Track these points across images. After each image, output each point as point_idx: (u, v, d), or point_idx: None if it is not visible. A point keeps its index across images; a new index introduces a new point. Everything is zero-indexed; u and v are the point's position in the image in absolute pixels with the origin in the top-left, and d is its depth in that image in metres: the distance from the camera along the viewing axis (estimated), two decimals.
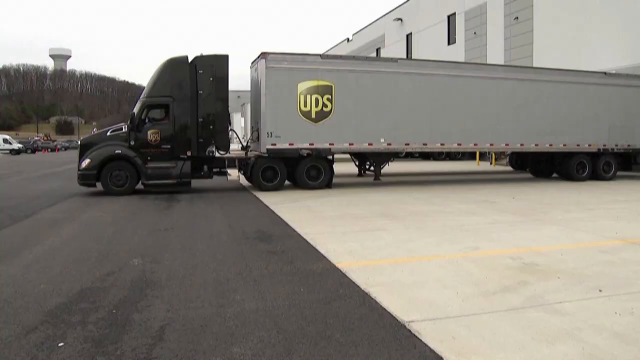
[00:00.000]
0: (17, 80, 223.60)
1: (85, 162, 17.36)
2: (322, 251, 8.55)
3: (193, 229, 11.18)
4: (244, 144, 20.05)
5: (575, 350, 4.72)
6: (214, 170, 18.45)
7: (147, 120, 17.77)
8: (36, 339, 5.00)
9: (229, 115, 19.07)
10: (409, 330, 5.14)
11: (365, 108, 19.00)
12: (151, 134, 17.57)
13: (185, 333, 5.10)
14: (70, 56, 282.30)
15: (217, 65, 18.10)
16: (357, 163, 22.50)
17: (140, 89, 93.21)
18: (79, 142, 18.87)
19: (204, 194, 17.72)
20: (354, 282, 6.75)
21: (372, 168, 21.88)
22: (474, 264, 7.77)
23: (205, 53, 18.58)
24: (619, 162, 23.69)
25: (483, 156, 35.98)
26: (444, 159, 40.06)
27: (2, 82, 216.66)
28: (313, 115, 18.43)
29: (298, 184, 18.89)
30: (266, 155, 18.28)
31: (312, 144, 18.49)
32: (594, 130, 22.22)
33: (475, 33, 39.74)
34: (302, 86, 18.32)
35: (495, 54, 36.91)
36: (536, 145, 21.45)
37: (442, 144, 20.22)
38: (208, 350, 4.72)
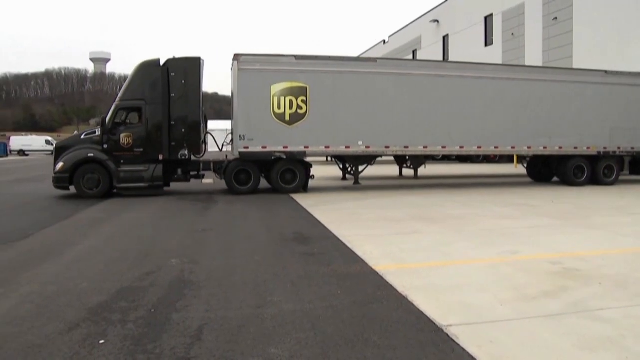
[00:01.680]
0: (59, 83, 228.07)
1: (59, 165, 17.41)
2: (360, 253, 8.53)
3: (231, 230, 11.28)
4: (221, 147, 19.69)
5: (618, 359, 4.62)
6: (192, 173, 18.41)
7: (120, 124, 17.70)
8: (78, 336, 5.10)
9: (204, 118, 19.08)
10: (447, 334, 5.09)
11: (342, 110, 18.43)
12: (124, 137, 17.50)
13: (223, 333, 5.14)
14: (109, 59, 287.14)
15: (189, 68, 18.01)
16: (340, 166, 21.61)
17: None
18: (54, 146, 19.02)
19: (241, 195, 17.81)
20: (391, 285, 6.72)
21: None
22: (513, 268, 7.66)
23: (177, 55, 18.25)
24: (631, 166, 22.89)
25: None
26: (481, 162, 39.64)
27: (45, 86, 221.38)
28: (287, 118, 17.95)
29: (273, 188, 18.60)
30: (239, 158, 18.10)
31: (286, 147, 18.00)
32: (593, 132, 21.10)
33: (513, 34, 39.21)
34: (276, 88, 17.90)
35: (534, 56, 36.37)
36: (529, 148, 20.52)
37: (425, 147, 19.38)
38: (246, 351, 4.74)
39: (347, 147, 18.58)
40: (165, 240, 10.15)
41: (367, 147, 18.69)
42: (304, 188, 18.68)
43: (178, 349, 4.77)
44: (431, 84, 19.25)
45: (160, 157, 17.69)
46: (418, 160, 21.47)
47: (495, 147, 20.18)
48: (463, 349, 4.77)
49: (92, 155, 17.40)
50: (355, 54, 68.75)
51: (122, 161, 17.46)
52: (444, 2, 49.10)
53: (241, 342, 4.93)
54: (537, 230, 11.00)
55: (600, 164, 21.61)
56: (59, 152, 17.94)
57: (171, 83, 17.81)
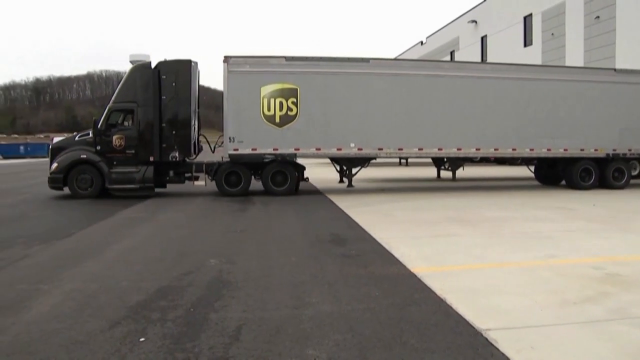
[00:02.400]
0: (100, 85, 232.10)
1: (54, 166, 17.78)
2: (397, 255, 8.50)
3: (268, 231, 11.34)
4: (213, 149, 19.69)
5: None
6: (186, 175, 18.48)
7: (113, 126, 17.93)
8: (119, 333, 5.19)
9: (196, 119, 19.09)
10: (486, 339, 5.03)
11: (333, 111, 18.21)
12: (116, 139, 17.72)
13: (261, 334, 5.17)
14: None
15: (180, 70, 18.07)
16: (337, 168, 20.90)
17: (215, 92, 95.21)
18: (50, 147, 19.46)
19: (278, 197, 17.89)
20: (429, 288, 6.68)
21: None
22: (552, 272, 7.54)
23: (169, 58, 18.48)
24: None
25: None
26: (519, 164, 39.06)
27: (86, 88, 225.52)
28: (277, 120, 17.89)
29: (265, 189, 18.51)
30: (229, 160, 18.13)
31: (276, 149, 17.96)
32: (601, 133, 20.16)
33: (553, 34, 38.59)
34: (266, 90, 17.84)
35: (574, 56, 35.73)
36: (531, 150, 19.80)
37: (420, 149, 18.99)
38: (283, 352, 4.76)
39: (338, 149, 18.44)
40: (202, 240, 10.27)
41: (360, 149, 18.47)
42: (294, 190, 18.57)
43: (216, 349, 4.82)
44: (428, 84, 18.84)
45: (151, 159, 17.85)
46: (456, 163, 21.22)
47: (495, 149, 19.61)
48: (502, 354, 4.71)
49: (84, 156, 17.74)
50: (392, 55, 68.47)
51: (114, 162, 17.73)
52: (482, 2, 48.61)
53: (279, 342, 4.95)
54: (576, 234, 10.80)
55: (610, 166, 20.60)
56: (54, 153, 18.31)
57: (162, 85, 17.95)
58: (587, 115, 20.01)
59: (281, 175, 18.35)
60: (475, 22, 49.47)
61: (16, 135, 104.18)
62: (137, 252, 9.12)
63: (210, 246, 9.58)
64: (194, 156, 18.88)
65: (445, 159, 21.13)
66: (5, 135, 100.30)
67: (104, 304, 6.14)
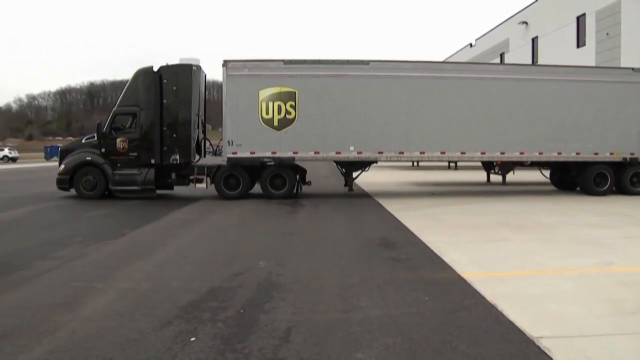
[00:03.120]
0: None
1: (61, 167, 18.61)
2: (447, 260, 8.41)
3: (317, 233, 11.39)
4: (214, 152, 19.57)
5: None
6: (190, 177, 18.59)
7: (117, 129, 18.46)
8: (171, 333, 5.27)
9: (201, 123, 19.45)
10: (539, 347, 4.92)
11: (332, 114, 18.08)
12: (119, 142, 18.28)
13: (310, 336, 5.18)
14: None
15: (180, 74, 18.41)
16: (343, 171, 20.10)
17: None
18: (59, 149, 20.37)
19: (327, 199, 17.95)
20: (479, 293, 6.58)
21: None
22: (608, 280, 7.33)
23: (170, 63, 18.79)
24: None
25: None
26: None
27: None
28: (275, 123, 17.91)
29: (263, 193, 18.52)
30: (227, 164, 18.21)
31: (274, 153, 17.97)
32: (617, 136, 19.26)
33: (607, 34, 37.59)
34: (264, 93, 17.91)
35: (631, 56, 34.67)
36: (540, 154, 19.07)
37: (421, 153, 18.61)
38: (332, 355, 4.76)
39: (337, 153, 18.25)
40: (252, 242, 10.36)
41: (359, 152, 18.26)
42: (294, 194, 18.58)
43: (266, 350, 4.85)
44: (429, 86, 18.50)
45: (152, 162, 18.26)
46: (507, 166, 20.86)
47: (502, 153, 19.02)
48: None
49: (89, 158, 18.38)
50: (441, 58, 67.78)
51: (118, 165, 18.29)
52: (533, 2, 47.69)
53: (328, 345, 4.95)
54: (635, 241, 10.48)
55: (627, 171, 19.63)
56: (63, 155, 19.13)
57: (163, 89, 18.36)
58: (603, 118, 19.26)
59: (280, 178, 18.37)
60: (526, 23, 48.54)
61: (71, 138, 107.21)
62: (188, 253, 9.26)
63: (260, 248, 9.66)
64: (198, 159, 19.31)
65: (495, 163, 20.78)
66: (61, 138, 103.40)
67: (156, 303, 6.26)
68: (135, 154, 18.30)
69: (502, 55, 54.13)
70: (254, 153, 17.94)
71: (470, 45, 62.58)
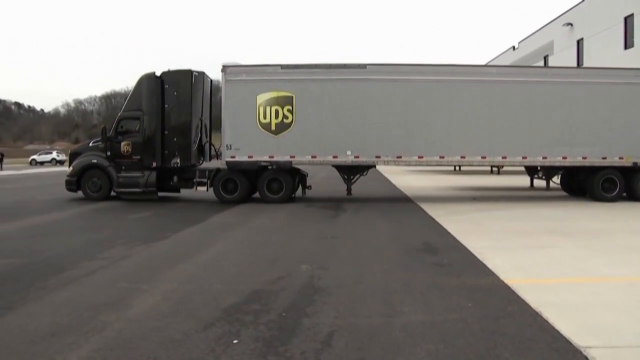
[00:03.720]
0: None
1: (69, 170, 19.59)
2: (490, 266, 8.30)
3: (359, 237, 11.37)
4: (217, 156, 19.94)
5: None
6: (195, 180, 18.81)
7: (122, 133, 19.20)
8: (213, 334, 5.33)
9: (204, 127, 19.87)
10: (586, 357, 4.81)
11: (329, 119, 18.10)
12: (124, 146, 18.99)
13: (352, 341, 5.17)
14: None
15: (181, 80, 18.95)
16: (344, 177, 19.82)
17: None
18: (69, 152, 21.42)
19: (368, 203, 17.91)
20: (523, 300, 6.47)
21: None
22: None
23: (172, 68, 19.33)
24: None
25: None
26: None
27: None
28: (273, 127, 18.06)
29: (260, 197, 18.65)
30: (226, 167, 18.44)
31: (272, 157, 18.10)
32: (628, 140, 18.46)
33: None
34: (262, 98, 18.09)
35: None
36: (544, 158, 18.58)
37: (420, 157, 18.32)
38: None
39: (334, 157, 18.26)
40: (294, 246, 10.44)
41: (356, 157, 18.21)
42: (290, 198, 18.62)
43: (308, 354, 4.86)
44: (427, 89, 18.31)
45: (154, 165, 18.81)
46: (550, 172, 20.49)
47: (503, 158, 18.68)
48: None
49: (95, 161, 19.17)
50: (483, 61, 66.99)
51: (123, 167, 19.01)
52: (579, 3, 46.76)
53: (371, 350, 4.94)
54: None
55: (638, 177, 18.79)
56: (72, 158, 20.04)
57: (165, 95, 18.95)
58: (611, 120, 18.53)
59: (277, 182, 18.43)
60: (571, 24, 47.62)
61: None
62: (231, 256, 9.37)
63: (302, 252, 9.71)
64: (201, 162, 19.80)
65: (538, 168, 20.41)
66: None
67: (199, 305, 6.34)
68: (139, 157, 18.98)
69: (545, 58, 53.22)
70: (252, 157, 18.17)
71: (513, 48, 61.68)
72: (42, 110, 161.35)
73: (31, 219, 14.50)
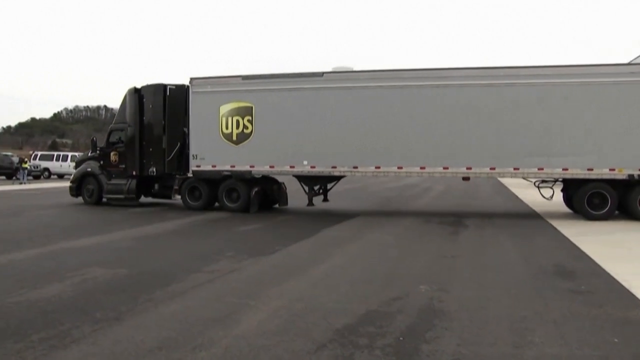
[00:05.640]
0: None
1: (71, 177, 23.50)
2: (639, 295, 7.80)
3: (482, 257, 11.07)
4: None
5: None
6: (174, 188, 20.78)
7: (113, 143, 22.02)
8: (326, 357, 5.33)
9: (182, 138, 20.77)
10: None
11: (286, 128, 18.90)
12: (112, 155, 21.89)
13: None
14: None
15: (155, 94, 21.02)
16: (305, 188, 20.29)
17: None
18: (75, 161, 25.97)
19: (492, 219, 17.40)
20: None
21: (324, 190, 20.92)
22: None
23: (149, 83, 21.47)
24: None
25: None
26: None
27: None
28: (234, 138, 19.40)
29: (219, 205, 20.10)
30: (191, 176, 20.12)
31: (233, 166, 19.46)
32: (621, 148, 16.97)
33: None
34: (224, 109, 19.47)
35: None
36: (515, 169, 17.74)
37: (377, 167, 18.46)
38: None
39: (291, 167, 19.08)
40: (412, 264, 10.31)
41: (312, 167, 18.86)
42: (247, 208, 19.35)
43: None
44: (385, 96, 18.37)
45: (134, 173, 21.28)
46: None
47: (468, 169, 18.05)
48: None
49: (89, 170, 22.34)
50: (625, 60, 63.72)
51: (113, 175, 21.84)
52: None
53: None
54: None
55: (634, 191, 17.10)
56: (77, 166, 23.76)
57: (143, 107, 21.27)
58: (598, 125, 17.18)
59: (235, 192, 19.78)
60: None
61: None
62: (343, 273, 9.39)
63: (420, 271, 9.58)
64: (170, 172, 21.14)
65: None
66: None
67: (310, 324, 6.36)
68: (124, 166, 21.62)
69: None
70: (215, 166, 19.74)
71: None
72: None
73: (135, 229, 15.22)
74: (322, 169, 18.99)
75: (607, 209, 17.35)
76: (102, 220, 17.25)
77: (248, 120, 19.33)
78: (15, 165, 45.21)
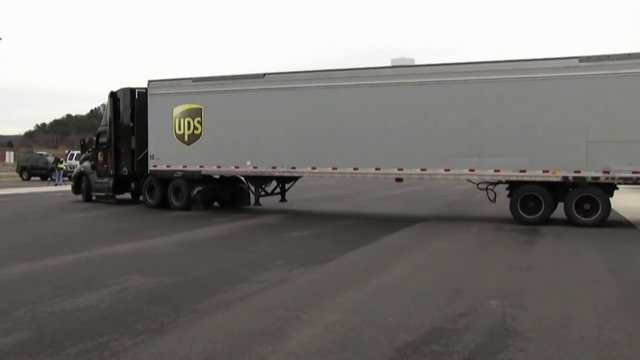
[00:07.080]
0: None
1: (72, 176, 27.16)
2: None
3: (562, 270, 10.59)
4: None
5: None
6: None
7: (100, 144, 24.75)
8: None
9: (141, 138, 22.82)
10: None
11: (231, 129, 20.59)
12: (99, 156, 24.84)
13: None
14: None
15: (124, 97, 23.36)
16: (251, 188, 22.09)
17: None
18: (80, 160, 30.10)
19: (572, 227, 16.72)
20: None
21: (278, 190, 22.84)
22: None
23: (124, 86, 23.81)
24: None
25: None
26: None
27: None
28: (186, 138, 21.46)
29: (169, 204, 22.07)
30: (149, 175, 22.48)
31: (185, 167, 21.50)
32: (556, 148, 16.76)
33: None
34: (177, 110, 21.55)
35: None
36: (446, 170, 18.02)
37: (313, 168, 19.66)
38: None
39: (236, 167, 20.80)
40: (480, 276, 9.93)
41: (255, 167, 20.43)
42: (186, 207, 21.50)
43: None
44: (320, 96, 19.38)
45: (111, 173, 23.87)
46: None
47: (399, 170, 18.67)
48: None
49: (82, 169, 25.92)
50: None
51: (100, 174, 24.67)
52: None
53: None
54: None
55: (572, 194, 16.99)
56: (80, 164, 27.23)
57: (118, 110, 23.59)
58: (530, 124, 17.12)
59: (180, 191, 21.86)
60: None
61: None
62: (404, 285, 9.10)
63: (490, 284, 9.20)
64: (145, 171, 22.95)
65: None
66: None
67: (367, 341, 6.12)
68: (106, 165, 24.17)
69: None
70: (169, 166, 21.88)
71: None
72: None
73: (179, 234, 15.31)
74: (263, 169, 20.41)
75: (540, 212, 17.40)
76: (144, 225, 17.47)
77: (198, 122, 21.23)
78: (51, 165, 46.41)
